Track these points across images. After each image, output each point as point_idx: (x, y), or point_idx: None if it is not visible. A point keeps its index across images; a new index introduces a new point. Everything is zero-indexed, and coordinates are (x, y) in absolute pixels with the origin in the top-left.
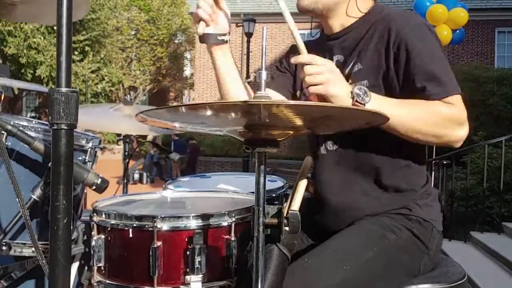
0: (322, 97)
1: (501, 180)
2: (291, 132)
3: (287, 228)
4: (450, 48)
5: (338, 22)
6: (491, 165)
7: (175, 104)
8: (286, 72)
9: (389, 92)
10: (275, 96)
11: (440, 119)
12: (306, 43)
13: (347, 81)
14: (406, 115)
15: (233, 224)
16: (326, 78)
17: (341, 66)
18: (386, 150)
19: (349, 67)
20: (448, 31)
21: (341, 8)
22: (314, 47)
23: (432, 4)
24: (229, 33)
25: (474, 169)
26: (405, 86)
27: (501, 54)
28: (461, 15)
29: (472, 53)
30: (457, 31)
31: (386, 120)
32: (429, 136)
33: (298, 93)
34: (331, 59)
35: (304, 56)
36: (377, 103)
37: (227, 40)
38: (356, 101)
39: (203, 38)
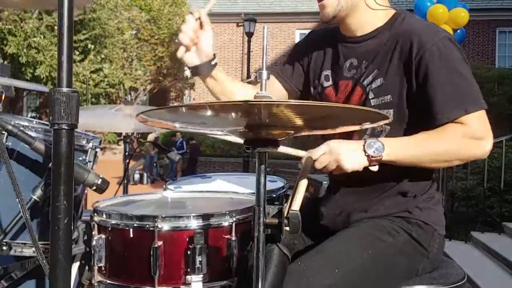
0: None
1: (501, 180)
2: (292, 132)
3: (287, 228)
4: None
5: (358, 20)
6: (492, 165)
7: (175, 104)
8: (297, 63)
9: (411, 107)
10: (271, 82)
11: (457, 145)
12: (321, 32)
13: (368, 95)
14: (424, 152)
15: (233, 224)
16: (334, 160)
17: (358, 72)
18: None
19: (369, 78)
20: (449, 31)
21: (361, 2)
22: (328, 40)
23: (433, 4)
24: (215, 55)
25: (474, 169)
26: (421, 104)
27: (502, 54)
28: (462, 15)
29: (473, 53)
30: (458, 31)
31: (385, 118)
32: (455, 161)
33: (312, 90)
34: (345, 61)
35: (307, 158)
36: (392, 149)
37: (216, 63)
38: (372, 158)
39: (194, 72)
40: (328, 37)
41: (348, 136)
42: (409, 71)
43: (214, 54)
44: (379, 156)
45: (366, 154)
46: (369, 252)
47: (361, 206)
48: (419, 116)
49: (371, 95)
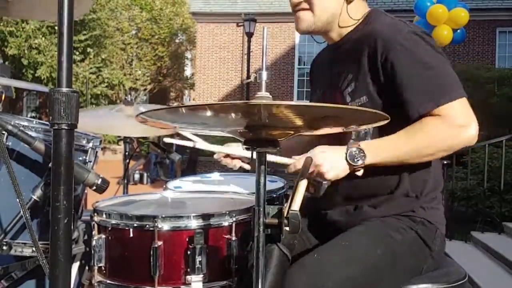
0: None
1: (501, 180)
2: (292, 132)
3: (287, 228)
4: (451, 48)
5: (336, 32)
6: (492, 165)
7: (175, 104)
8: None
9: (387, 105)
10: None
11: (437, 137)
12: (319, 55)
13: (345, 99)
14: (406, 150)
15: (233, 224)
16: (316, 170)
17: (337, 78)
18: None
19: (345, 82)
20: (449, 31)
21: (336, 19)
22: (323, 59)
23: (433, 4)
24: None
25: (474, 169)
26: (394, 99)
27: (502, 54)
28: (462, 15)
29: (473, 53)
30: (458, 31)
31: (386, 118)
32: (439, 153)
33: (317, 91)
34: (330, 71)
35: (292, 168)
36: (373, 152)
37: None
38: (354, 167)
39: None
40: (323, 57)
41: (338, 138)
42: (376, 71)
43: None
44: (361, 163)
45: (349, 163)
46: (381, 248)
47: (367, 209)
48: (396, 113)
49: (348, 99)
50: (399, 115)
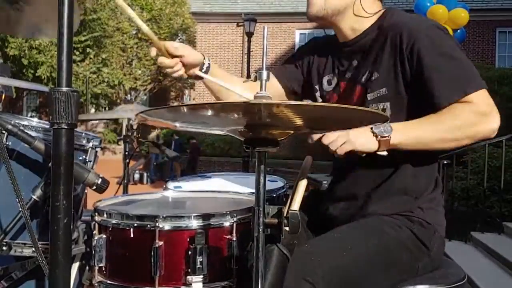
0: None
1: (501, 180)
2: (292, 132)
3: (287, 228)
4: None
5: (348, 26)
6: (492, 164)
7: (176, 104)
8: (298, 68)
9: (410, 97)
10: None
11: (464, 120)
12: (323, 38)
13: (366, 91)
14: (432, 130)
15: (234, 224)
16: (344, 138)
17: (356, 71)
18: (399, 157)
19: (365, 75)
20: (449, 31)
21: (349, 10)
22: (329, 47)
23: (433, 4)
24: (205, 58)
25: (474, 168)
26: (419, 90)
27: (502, 54)
28: (462, 15)
29: (473, 53)
30: (458, 31)
31: (386, 119)
32: (463, 140)
33: (315, 94)
34: (343, 65)
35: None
36: (399, 130)
37: (209, 64)
38: (381, 137)
39: (197, 79)
40: (329, 44)
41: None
42: (401, 62)
43: (203, 57)
44: (388, 136)
45: (375, 134)
46: (374, 243)
47: (365, 206)
48: (419, 105)
49: (368, 90)
50: (422, 107)
